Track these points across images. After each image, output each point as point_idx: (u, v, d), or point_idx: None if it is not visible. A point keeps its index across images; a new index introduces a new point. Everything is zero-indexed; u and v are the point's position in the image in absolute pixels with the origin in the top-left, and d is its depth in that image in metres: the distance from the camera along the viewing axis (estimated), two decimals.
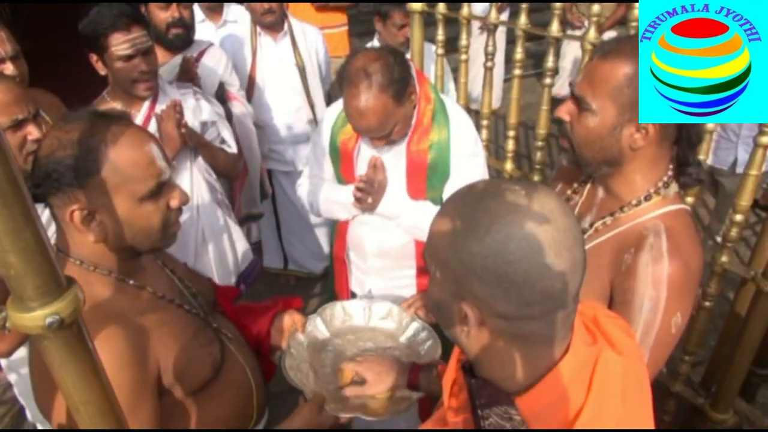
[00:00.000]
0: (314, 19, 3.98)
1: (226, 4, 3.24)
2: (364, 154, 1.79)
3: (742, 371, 1.63)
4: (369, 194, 1.72)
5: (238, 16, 3.24)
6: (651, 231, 1.09)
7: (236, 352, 1.29)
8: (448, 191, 1.77)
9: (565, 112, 1.16)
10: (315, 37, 3.13)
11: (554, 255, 0.68)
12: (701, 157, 1.59)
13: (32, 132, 1.49)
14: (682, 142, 1.16)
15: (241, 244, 2.43)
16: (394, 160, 1.75)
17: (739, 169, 2.92)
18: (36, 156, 1.04)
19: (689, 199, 1.63)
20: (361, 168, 1.79)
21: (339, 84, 1.61)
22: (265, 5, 2.82)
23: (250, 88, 2.97)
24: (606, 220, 1.19)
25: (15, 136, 1.48)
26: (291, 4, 3.95)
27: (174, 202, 1.12)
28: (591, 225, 1.22)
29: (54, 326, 0.64)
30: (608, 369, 0.75)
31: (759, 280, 1.49)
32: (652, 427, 0.81)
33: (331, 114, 1.86)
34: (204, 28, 3.03)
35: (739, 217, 1.56)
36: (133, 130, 1.07)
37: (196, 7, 2.86)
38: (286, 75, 3.02)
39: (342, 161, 1.83)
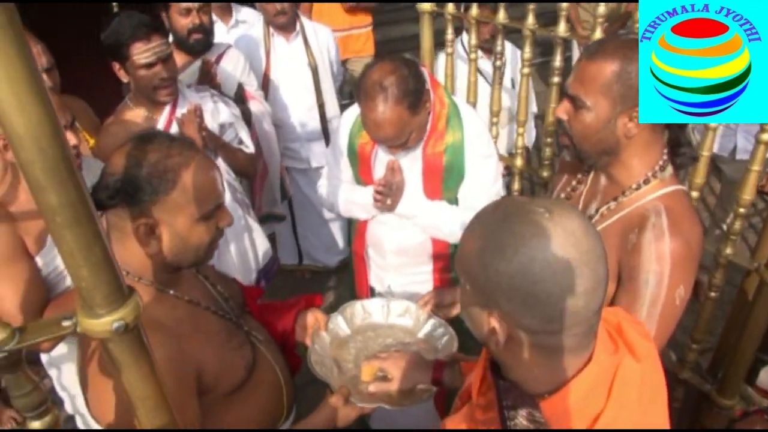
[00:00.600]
0: (342, 20, 4.03)
1: (235, 5, 3.30)
2: (382, 157, 1.85)
3: (748, 358, 1.69)
4: (388, 196, 1.79)
5: (248, 17, 3.30)
6: (652, 212, 1.17)
7: (266, 353, 1.36)
8: (463, 192, 1.83)
9: (563, 111, 1.25)
10: (326, 37, 3.18)
11: (576, 275, 0.73)
12: (705, 153, 1.65)
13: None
14: (672, 125, 1.23)
15: (261, 242, 2.50)
16: (411, 163, 1.81)
17: (739, 156, 2.95)
18: (108, 170, 1.11)
19: (694, 194, 1.69)
20: (378, 170, 1.86)
21: (356, 94, 1.67)
22: (278, 6, 2.88)
23: (265, 88, 3.04)
24: (610, 205, 1.27)
25: None
26: (316, 6, 4.00)
27: (222, 223, 1.19)
28: (596, 211, 1.29)
29: (120, 330, 0.71)
30: (627, 376, 0.81)
31: (762, 271, 1.54)
32: (666, 423, 0.87)
33: (348, 118, 1.92)
34: (215, 29, 3.09)
35: (742, 210, 1.62)
36: (202, 156, 1.17)
37: None
38: (299, 74, 3.08)
39: (360, 164, 1.89)
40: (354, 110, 1.89)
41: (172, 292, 1.18)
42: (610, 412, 0.79)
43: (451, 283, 1.99)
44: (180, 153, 1.12)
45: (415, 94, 1.61)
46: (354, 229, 2.08)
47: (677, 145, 1.25)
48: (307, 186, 3.31)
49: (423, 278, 1.98)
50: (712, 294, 1.73)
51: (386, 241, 1.94)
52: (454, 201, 1.85)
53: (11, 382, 0.73)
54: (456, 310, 1.60)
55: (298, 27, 3.06)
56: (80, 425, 2.05)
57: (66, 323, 0.73)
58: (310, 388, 1.60)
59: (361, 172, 1.91)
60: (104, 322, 0.70)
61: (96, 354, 1.07)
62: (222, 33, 3.12)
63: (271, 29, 3.02)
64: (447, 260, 1.95)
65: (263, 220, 2.92)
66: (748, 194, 1.59)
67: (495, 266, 0.76)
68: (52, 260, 1.63)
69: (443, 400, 1.96)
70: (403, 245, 1.93)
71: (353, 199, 1.94)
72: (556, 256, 0.73)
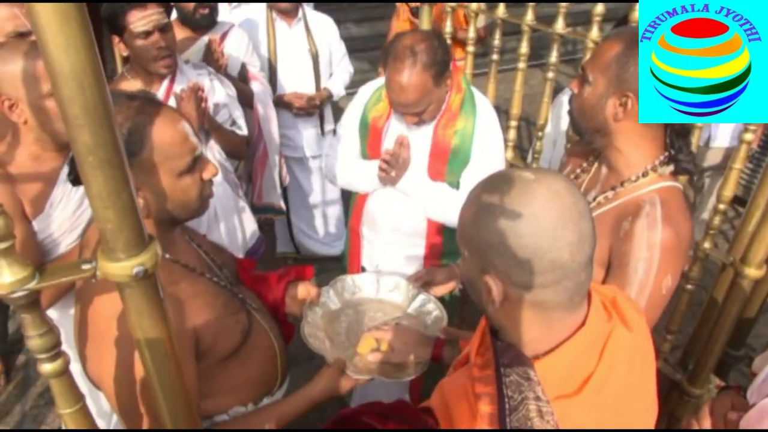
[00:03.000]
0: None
1: None
2: (393, 132, 1.90)
3: (718, 350, 1.76)
4: (393, 168, 1.83)
5: None
6: (647, 202, 1.22)
7: (260, 320, 1.38)
8: (465, 177, 1.88)
9: (574, 84, 1.32)
10: (328, 26, 3.18)
11: (560, 229, 0.78)
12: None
13: None
14: (669, 127, 1.28)
15: (250, 222, 2.52)
16: (420, 141, 1.86)
17: (713, 143, 3.06)
18: None
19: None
20: (387, 146, 1.90)
21: (383, 60, 1.72)
22: None
23: (271, 71, 3.04)
24: (608, 194, 1.32)
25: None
26: None
27: (207, 174, 1.19)
28: (594, 199, 1.35)
29: (140, 276, 0.73)
30: (619, 343, 0.86)
31: (737, 265, 1.62)
32: (653, 391, 0.92)
33: (366, 91, 1.97)
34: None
35: (722, 207, 1.68)
36: (167, 110, 1.14)
37: None
38: (299, 61, 3.08)
39: (370, 137, 1.94)
40: (373, 84, 1.94)
41: (168, 256, 1.19)
42: (600, 374, 0.83)
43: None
44: (142, 111, 1.09)
45: (441, 65, 1.68)
46: (352, 207, 2.11)
47: (675, 149, 1.29)
48: (302, 176, 3.31)
49: (414, 258, 2.01)
50: (689, 286, 1.79)
51: (382, 217, 1.98)
52: (455, 185, 1.89)
53: (28, 321, 0.75)
54: (446, 289, 1.64)
55: (300, 14, 3.06)
56: None
57: (86, 266, 0.75)
58: (308, 364, 1.61)
59: (370, 146, 1.94)
60: (125, 266, 0.72)
61: (97, 310, 1.08)
62: (225, 12, 3.11)
63: (274, 14, 3.02)
64: (440, 244, 1.99)
65: (262, 210, 2.88)
66: (729, 191, 1.66)
67: (486, 226, 0.81)
68: (47, 227, 1.63)
69: (419, 381, 1.99)
70: (399, 222, 1.96)
71: (358, 170, 1.98)
72: (541, 212, 0.78)
